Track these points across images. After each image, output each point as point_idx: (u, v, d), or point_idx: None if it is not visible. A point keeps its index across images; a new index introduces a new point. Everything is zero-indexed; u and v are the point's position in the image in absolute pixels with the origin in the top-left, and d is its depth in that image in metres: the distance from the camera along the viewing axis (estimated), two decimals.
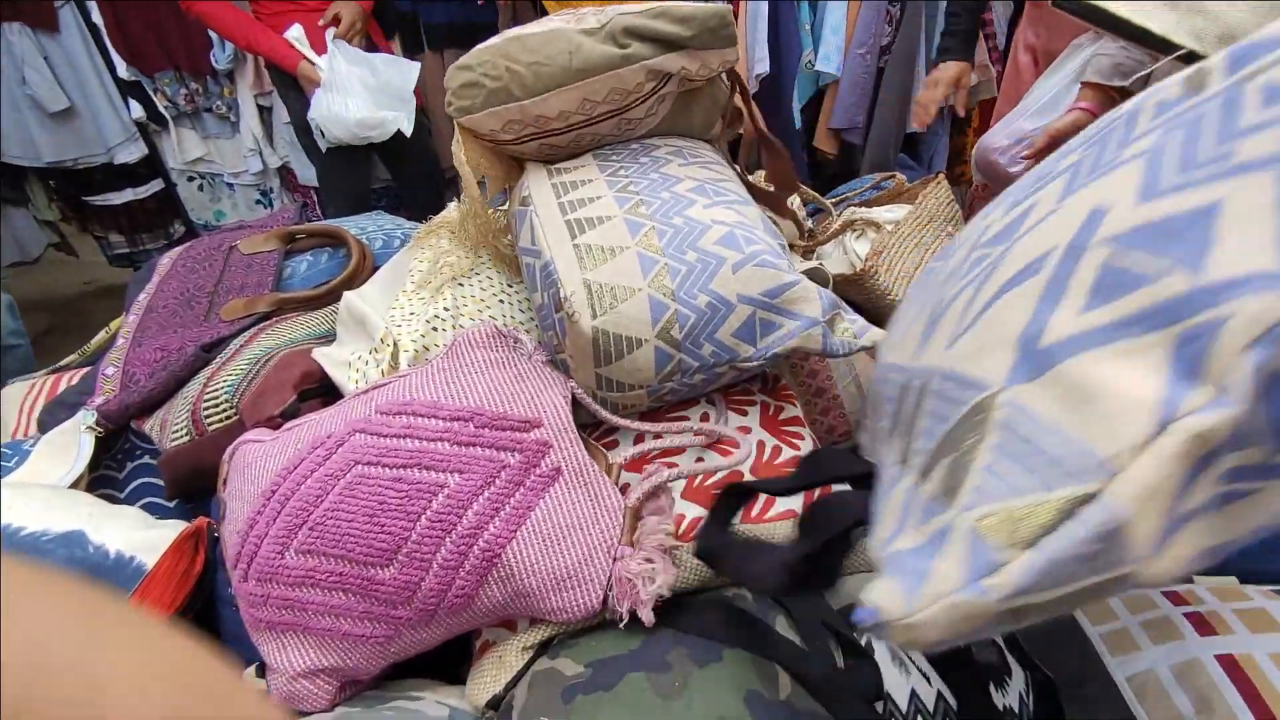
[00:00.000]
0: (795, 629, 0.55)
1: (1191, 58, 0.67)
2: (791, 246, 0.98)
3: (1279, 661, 0.45)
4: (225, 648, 0.66)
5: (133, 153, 2.38)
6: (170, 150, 2.43)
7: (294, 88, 1.83)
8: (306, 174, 2.33)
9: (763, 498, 0.60)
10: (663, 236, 0.63)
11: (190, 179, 2.53)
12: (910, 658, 0.56)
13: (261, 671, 0.58)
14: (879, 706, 0.50)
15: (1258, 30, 0.31)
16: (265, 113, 2.36)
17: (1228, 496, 0.25)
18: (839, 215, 1.06)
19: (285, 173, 2.53)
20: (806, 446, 0.67)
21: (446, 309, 0.76)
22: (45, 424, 0.86)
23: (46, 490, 0.71)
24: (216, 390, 0.76)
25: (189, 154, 2.43)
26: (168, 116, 2.34)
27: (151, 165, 2.47)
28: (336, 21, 1.74)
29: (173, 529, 0.68)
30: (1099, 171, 0.33)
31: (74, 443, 0.78)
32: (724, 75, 0.85)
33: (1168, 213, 0.26)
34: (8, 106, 2.16)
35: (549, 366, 0.65)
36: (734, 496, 0.53)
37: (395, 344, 0.73)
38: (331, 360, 0.77)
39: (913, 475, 0.35)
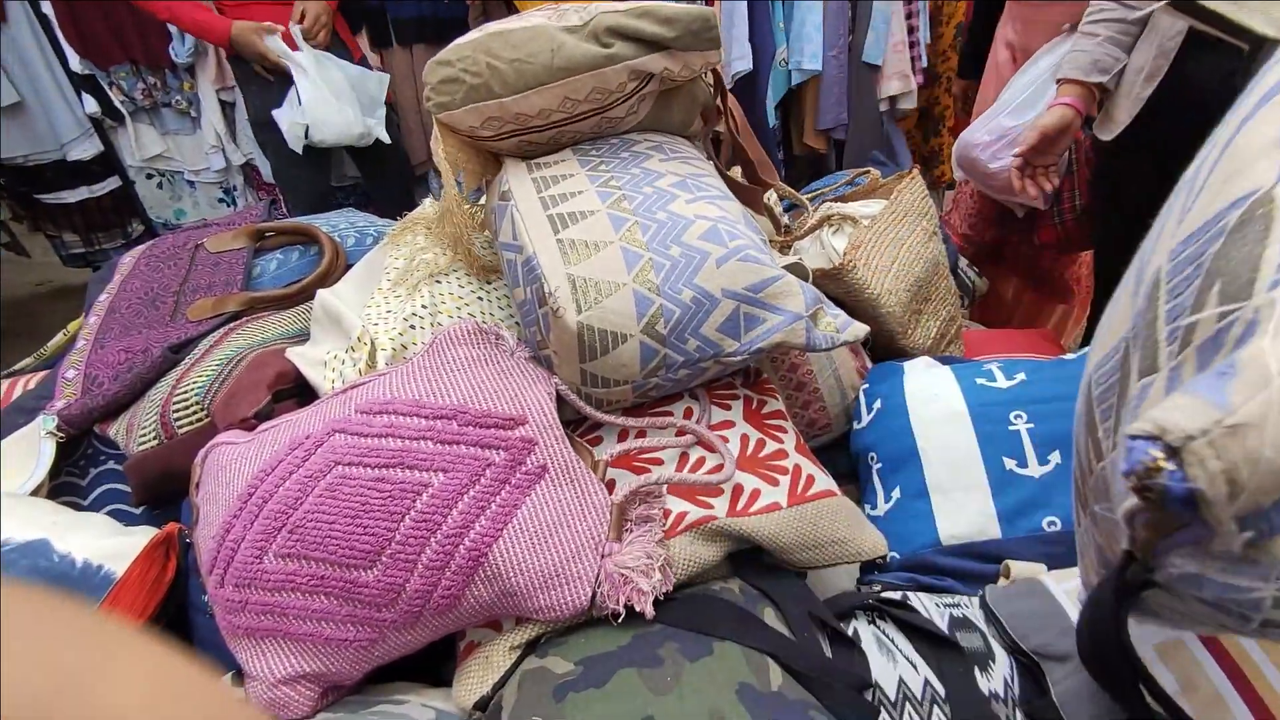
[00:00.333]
0: (784, 621, 0.55)
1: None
2: (769, 243, 0.98)
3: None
4: (199, 655, 0.64)
5: (87, 149, 2.30)
6: (127, 147, 2.35)
7: (254, 81, 1.78)
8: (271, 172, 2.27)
9: (748, 490, 0.61)
10: (646, 231, 0.63)
11: (149, 176, 2.45)
12: (898, 647, 0.57)
13: (239, 679, 0.56)
14: (868, 695, 0.51)
15: None
16: (228, 108, 2.30)
17: None
18: (815, 211, 1.07)
19: (249, 170, 2.46)
20: (789, 440, 0.68)
21: (424, 306, 0.75)
22: (1, 430, 0.82)
23: (7, 499, 0.68)
24: (186, 392, 0.74)
25: (147, 150, 2.36)
26: (124, 112, 2.26)
27: (107, 162, 2.39)
28: (303, 18, 1.70)
29: (142, 535, 0.66)
30: None
31: (34, 449, 0.75)
32: (705, 74, 0.85)
33: None
34: None
35: (532, 363, 0.65)
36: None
37: (372, 342, 0.72)
38: (306, 360, 0.75)
39: (1167, 361, 0.28)
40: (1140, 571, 0.28)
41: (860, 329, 0.66)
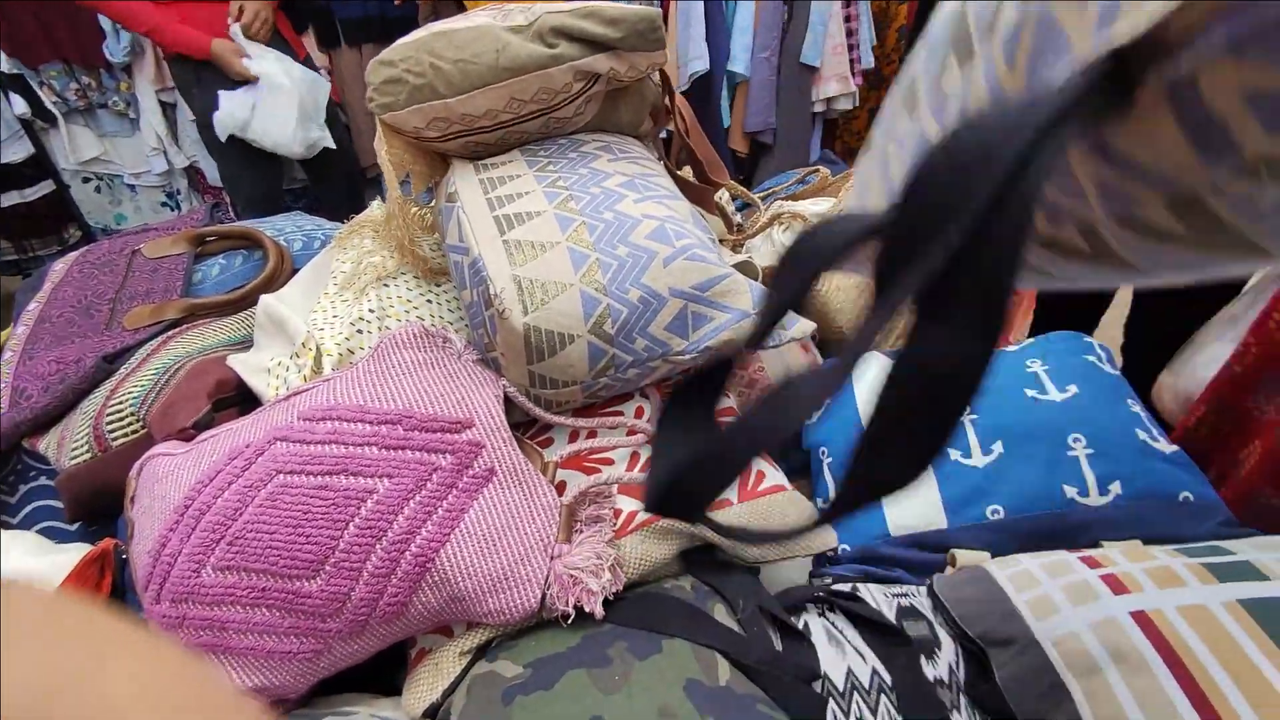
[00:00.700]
0: (734, 616, 0.56)
1: None
2: (720, 241, 0.99)
3: (1184, 613, 0.48)
4: None
5: (17, 152, 2.19)
6: (60, 149, 2.25)
7: (196, 83, 1.72)
8: (217, 174, 2.21)
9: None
10: (593, 231, 0.63)
11: (85, 180, 2.35)
12: (847, 638, 0.58)
13: None
14: (817, 686, 0.52)
15: None
16: (169, 109, 2.23)
17: None
18: (766, 209, 1.09)
19: (194, 173, 2.39)
20: None
21: (372, 310, 0.73)
22: None
23: None
24: (121, 402, 0.71)
25: (83, 153, 2.27)
26: (56, 113, 2.17)
27: (40, 165, 2.29)
28: (241, 14, 1.66)
29: (75, 553, 0.64)
30: None
31: None
32: (653, 74, 0.85)
33: None
34: None
35: (480, 365, 0.64)
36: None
37: (318, 348, 0.70)
38: (249, 367, 0.73)
39: None
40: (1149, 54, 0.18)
41: (807, 325, 0.67)
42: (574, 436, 0.65)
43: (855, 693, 0.52)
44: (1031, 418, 0.74)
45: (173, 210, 2.42)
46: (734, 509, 0.61)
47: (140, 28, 1.63)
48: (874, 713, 0.51)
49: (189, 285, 0.95)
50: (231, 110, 1.66)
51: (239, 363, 0.74)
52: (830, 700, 0.51)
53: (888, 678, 0.53)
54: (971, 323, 0.18)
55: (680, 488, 0.25)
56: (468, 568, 0.52)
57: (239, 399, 0.72)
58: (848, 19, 2.14)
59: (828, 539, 0.65)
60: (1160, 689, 0.45)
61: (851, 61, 2.17)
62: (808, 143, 2.25)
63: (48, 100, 2.14)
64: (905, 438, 0.19)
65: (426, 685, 0.53)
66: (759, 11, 1.99)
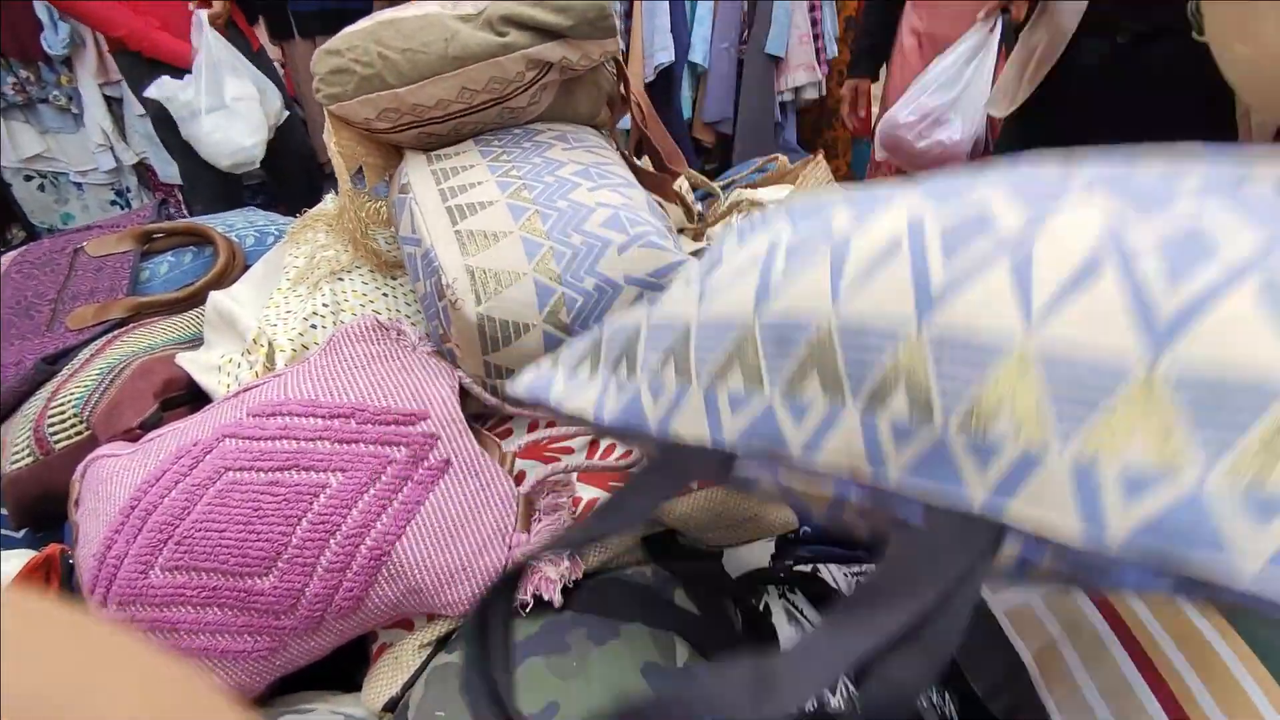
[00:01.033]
0: (694, 600, 0.56)
1: None
2: (681, 230, 0.99)
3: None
4: None
5: None
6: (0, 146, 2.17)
7: (147, 78, 1.67)
8: (169, 171, 2.14)
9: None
10: (547, 220, 0.62)
11: (28, 178, 2.27)
12: (807, 617, 0.58)
13: None
14: None
15: None
16: (114, 104, 2.15)
17: None
18: (726, 198, 1.09)
19: (144, 170, 2.31)
20: None
21: (326, 305, 0.72)
22: None
23: None
24: (63, 404, 0.69)
25: (24, 150, 2.18)
26: None
27: None
28: (207, 3, 1.61)
29: (18, 560, 0.62)
30: None
31: None
32: (608, 63, 0.85)
33: None
34: None
35: (435, 357, 0.63)
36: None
37: (270, 344, 0.69)
38: (199, 365, 0.72)
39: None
40: None
41: None
42: (533, 426, 0.65)
43: None
44: None
45: (123, 208, 2.35)
46: (694, 495, 0.61)
47: (118, 30, 1.59)
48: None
49: (135, 283, 0.92)
50: (213, 143, 1.62)
51: (188, 361, 0.72)
52: None
53: None
54: None
55: None
56: (425, 560, 0.51)
57: (189, 398, 0.71)
58: (812, 9, 2.17)
59: (789, 521, 0.65)
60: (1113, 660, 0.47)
61: (817, 51, 2.20)
62: (774, 132, 2.26)
63: None
64: None
65: (386, 679, 0.52)
66: (718, 4, 2.00)
